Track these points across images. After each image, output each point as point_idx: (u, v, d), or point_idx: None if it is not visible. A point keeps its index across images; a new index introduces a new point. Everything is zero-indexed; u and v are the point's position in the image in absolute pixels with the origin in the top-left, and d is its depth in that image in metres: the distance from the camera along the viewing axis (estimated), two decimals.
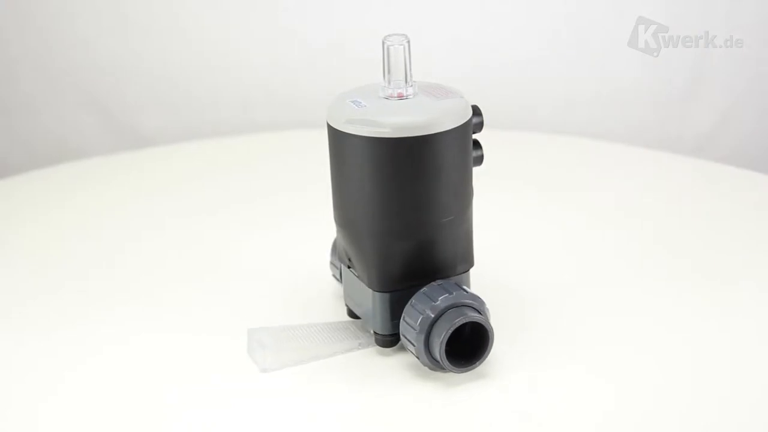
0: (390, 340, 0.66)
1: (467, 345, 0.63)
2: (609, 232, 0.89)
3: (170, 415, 0.62)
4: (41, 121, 1.38)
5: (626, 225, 0.90)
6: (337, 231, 0.68)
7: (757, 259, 0.82)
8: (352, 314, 0.70)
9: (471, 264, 0.67)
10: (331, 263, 0.74)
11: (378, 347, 0.67)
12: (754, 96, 1.35)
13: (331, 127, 0.64)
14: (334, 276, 0.75)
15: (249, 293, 0.77)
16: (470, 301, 0.63)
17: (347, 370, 0.66)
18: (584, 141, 1.21)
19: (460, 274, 0.66)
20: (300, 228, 0.91)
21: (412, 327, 0.62)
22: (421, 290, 0.63)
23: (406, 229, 0.63)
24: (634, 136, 1.32)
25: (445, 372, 0.63)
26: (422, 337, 0.62)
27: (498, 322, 0.70)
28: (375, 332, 0.67)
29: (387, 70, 0.64)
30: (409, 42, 0.64)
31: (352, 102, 0.64)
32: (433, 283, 0.64)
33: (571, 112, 1.35)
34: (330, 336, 0.68)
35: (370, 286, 0.65)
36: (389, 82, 0.65)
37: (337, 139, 0.64)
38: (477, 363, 0.64)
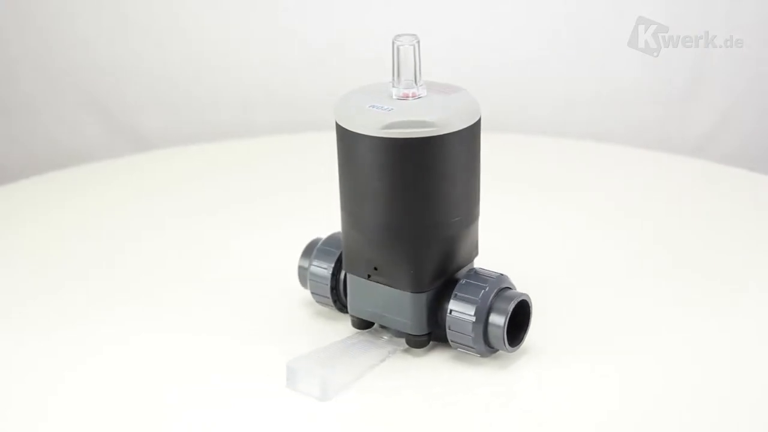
0: (424, 340, 0.66)
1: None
2: (610, 233, 0.89)
3: (170, 415, 0.62)
4: (41, 121, 1.38)
5: (627, 225, 0.90)
6: (356, 240, 0.65)
7: (758, 259, 0.82)
8: (362, 325, 0.69)
9: (477, 252, 0.69)
10: (314, 282, 0.71)
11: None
12: (754, 96, 1.35)
13: (360, 135, 0.62)
14: (315, 293, 0.71)
15: (249, 293, 0.77)
16: (506, 284, 0.65)
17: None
18: (584, 143, 1.21)
19: (470, 262, 0.68)
20: (300, 228, 0.90)
21: (468, 316, 0.63)
22: (461, 282, 0.64)
23: (444, 226, 0.64)
24: (635, 136, 1.32)
25: (490, 356, 0.65)
26: (480, 326, 0.63)
27: None
28: (409, 335, 0.66)
29: (397, 70, 0.64)
30: (419, 42, 0.64)
31: (372, 107, 0.62)
32: (467, 272, 0.66)
33: (571, 112, 1.35)
34: (359, 349, 0.67)
35: (407, 289, 0.64)
36: (399, 82, 0.64)
37: (369, 147, 0.62)
38: (524, 336, 0.66)
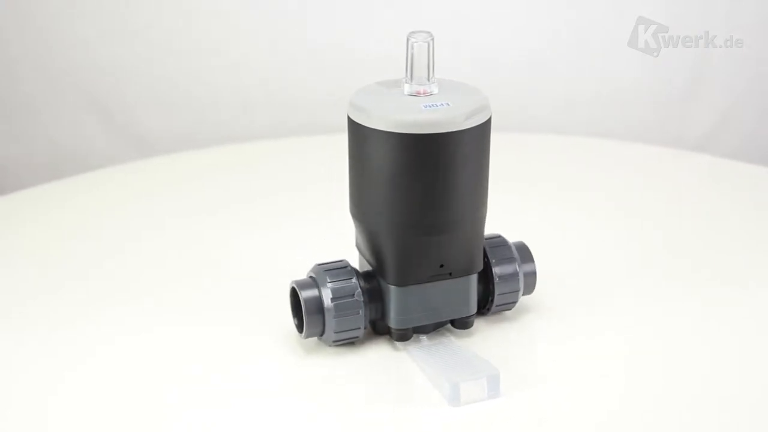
0: (473, 319, 0.69)
1: None
2: (611, 230, 0.89)
3: (170, 415, 0.62)
4: (41, 121, 1.38)
5: (628, 223, 0.91)
6: (420, 245, 0.64)
7: (762, 257, 0.83)
8: (405, 337, 0.68)
9: None
10: (345, 319, 0.65)
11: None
12: (754, 96, 1.35)
13: (435, 134, 0.61)
14: (342, 332, 0.66)
15: (250, 293, 0.77)
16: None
17: (346, 367, 0.66)
18: (583, 140, 1.21)
19: None
20: (300, 228, 0.91)
21: (513, 277, 0.69)
22: (491, 259, 0.69)
23: (485, 209, 0.67)
24: (635, 136, 1.32)
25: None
26: (522, 279, 0.70)
27: (500, 321, 0.71)
28: (462, 318, 0.68)
29: (410, 67, 0.64)
30: (433, 39, 0.64)
31: (426, 106, 0.62)
32: (487, 247, 0.70)
33: (571, 112, 1.35)
34: (446, 348, 0.67)
35: (468, 273, 0.66)
36: (412, 79, 0.64)
37: (445, 143, 0.61)
38: None
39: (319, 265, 0.68)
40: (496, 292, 0.69)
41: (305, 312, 0.66)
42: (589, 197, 0.99)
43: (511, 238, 0.73)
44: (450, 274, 0.66)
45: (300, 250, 0.84)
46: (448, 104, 0.62)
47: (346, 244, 0.71)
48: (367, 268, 0.68)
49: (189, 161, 1.15)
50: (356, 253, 0.70)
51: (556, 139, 1.22)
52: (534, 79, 1.34)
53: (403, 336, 0.67)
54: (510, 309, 0.71)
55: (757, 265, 0.81)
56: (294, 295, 0.68)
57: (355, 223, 0.68)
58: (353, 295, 0.66)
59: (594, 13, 1.31)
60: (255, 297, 0.76)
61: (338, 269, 0.67)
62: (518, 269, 0.70)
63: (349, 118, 0.64)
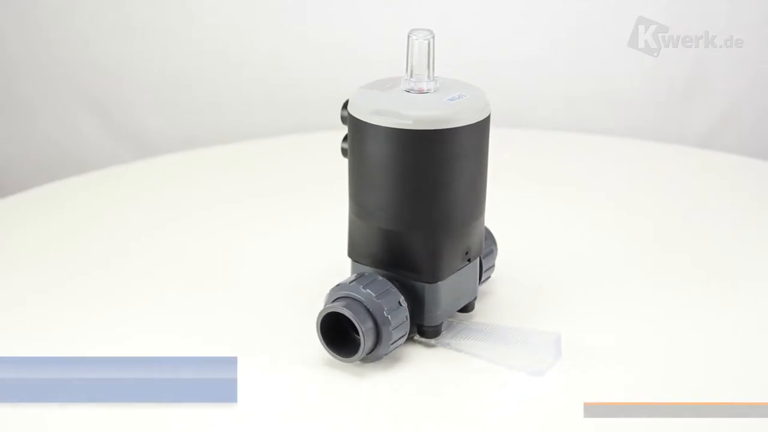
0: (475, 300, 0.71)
1: None
2: (611, 228, 0.89)
3: (170, 414, 0.62)
4: (40, 121, 1.38)
5: (628, 220, 0.91)
6: (453, 234, 0.64)
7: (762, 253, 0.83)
8: (436, 332, 0.67)
9: None
10: (398, 329, 0.63)
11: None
12: (754, 96, 1.35)
13: (470, 125, 0.62)
14: (397, 342, 0.64)
15: (251, 295, 0.77)
16: None
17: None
18: (584, 137, 1.21)
19: None
20: (301, 228, 0.91)
21: (491, 252, 0.73)
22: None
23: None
24: (635, 136, 1.32)
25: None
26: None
27: (500, 318, 0.71)
28: (472, 300, 0.70)
29: (411, 64, 0.64)
30: (434, 37, 0.64)
31: (451, 99, 0.62)
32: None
33: (571, 111, 1.35)
34: (480, 328, 0.68)
35: (479, 254, 0.68)
36: (413, 77, 0.64)
37: (477, 133, 0.63)
38: None
39: (351, 282, 0.64)
40: (483, 267, 0.71)
41: (366, 335, 0.62)
42: (589, 194, 0.99)
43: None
44: (469, 260, 0.67)
45: (301, 250, 0.84)
46: (464, 96, 0.63)
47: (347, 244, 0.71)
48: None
49: (189, 161, 1.15)
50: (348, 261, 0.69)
51: (555, 135, 1.23)
52: (534, 79, 1.34)
53: (436, 332, 0.67)
54: (487, 281, 0.74)
55: (758, 260, 0.82)
56: (330, 321, 0.64)
57: (362, 224, 0.65)
58: (399, 303, 0.64)
59: (594, 13, 1.31)
60: (257, 298, 0.76)
61: (375, 281, 0.64)
62: (491, 244, 0.73)
63: (357, 121, 0.63)
